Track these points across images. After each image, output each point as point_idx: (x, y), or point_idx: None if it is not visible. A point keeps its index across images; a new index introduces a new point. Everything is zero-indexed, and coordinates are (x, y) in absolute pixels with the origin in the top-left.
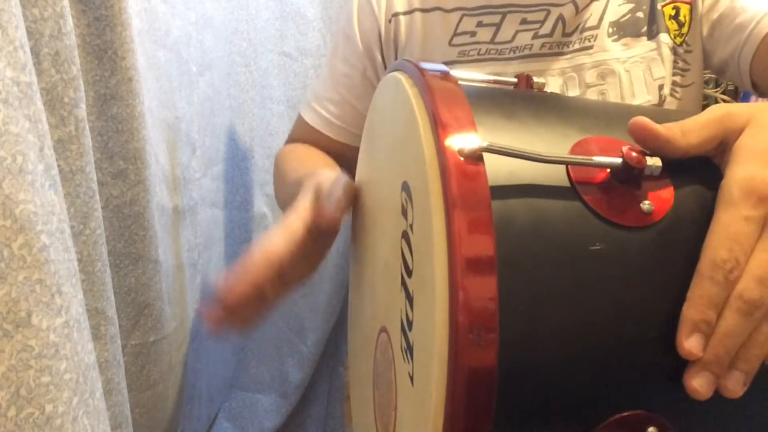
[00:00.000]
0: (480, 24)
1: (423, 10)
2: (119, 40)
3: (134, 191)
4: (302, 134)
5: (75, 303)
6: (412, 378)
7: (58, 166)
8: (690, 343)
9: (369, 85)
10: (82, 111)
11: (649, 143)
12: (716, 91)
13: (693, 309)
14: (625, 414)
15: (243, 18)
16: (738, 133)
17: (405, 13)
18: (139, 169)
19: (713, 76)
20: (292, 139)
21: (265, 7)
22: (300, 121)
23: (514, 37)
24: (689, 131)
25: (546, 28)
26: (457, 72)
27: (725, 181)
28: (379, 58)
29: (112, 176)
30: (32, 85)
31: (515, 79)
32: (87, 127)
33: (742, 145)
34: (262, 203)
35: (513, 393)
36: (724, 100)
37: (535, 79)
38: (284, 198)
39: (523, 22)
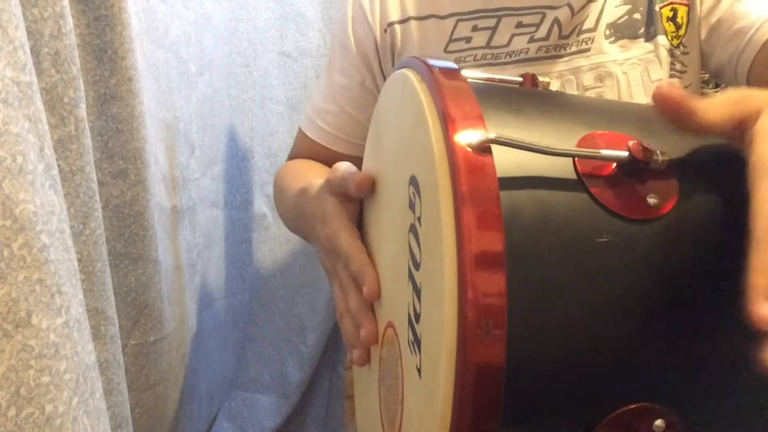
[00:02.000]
0: (475, 28)
1: (418, 18)
2: (119, 40)
3: (134, 191)
4: (303, 148)
5: (75, 303)
6: (419, 370)
7: (58, 166)
8: (765, 310)
9: (368, 95)
10: (82, 111)
11: (673, 112)
12: (715, 92)
13: (759, 275)
14: (632, 407)
15: (243, 18)
16: (756, 115)
17: (400, 22)
18: (138, 168)
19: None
20: (293, 155)
21: (265, 7)
22: (300, 135)
23: (509, 41)
24: (710, 108)
25: (542, 32)
26: (464, 71)
27: (755, 157)
28: (376, 67)
29: (112, 176)
30: (32, 85)
31: (520, 79)
32: (87, 127)
33: (764, 125)
34: (262, 203)
35: (520, 385)
36: None
37: (540, 78)
38: (285, 211)
39: (519, 25)
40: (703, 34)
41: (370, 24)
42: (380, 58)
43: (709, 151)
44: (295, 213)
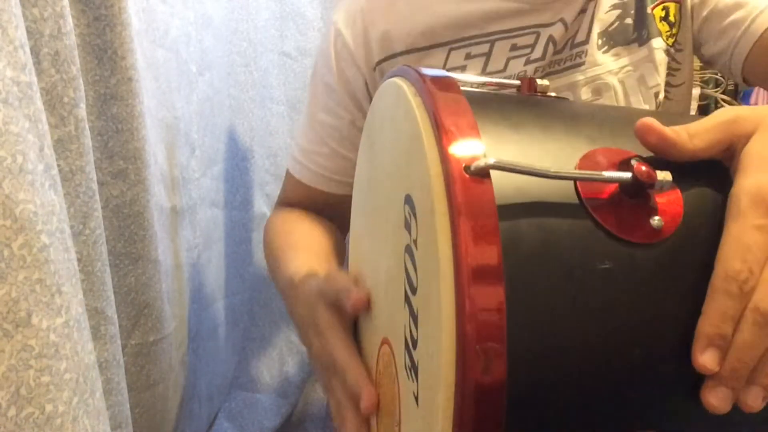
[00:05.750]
0: (469, 56)
1: (405, 53)
2: (119, 40)
3: (134, 191)
4: (295, 192)
5: (75, 303)
6: (417, 398)
7: (58, 166)
8: (705, 358)
9: (359, 135)
10: (82, 111)
11: (656, 146)
12: (716, 91)
13: (707, 323)
14: None
15: (243, 18)
16: (746, 138)
17: (387, 59)
18: (138, 168)
19: (714, 76)
20: (283, 200)
21: (265, 7)
22: (290, 179)
23: (506, 65)
24: (696, 135)
25: (537, 52)
26: (459, 75)
27: (734, 190)
28: (367, 106)
29: (112, 176)
30: (32, 85)
31: (518, 82)
32: (87, 126)
33: (750, 152)
34: (262, 203)
35: (521, 413)
36: (725, 100)
37: (539, 81)
38: (274, 281)
39: (513, 48)
40: (696, 26)
41: (357, 64)
42: (371, 96)
43: (715, 166)
44: (285, 301)
